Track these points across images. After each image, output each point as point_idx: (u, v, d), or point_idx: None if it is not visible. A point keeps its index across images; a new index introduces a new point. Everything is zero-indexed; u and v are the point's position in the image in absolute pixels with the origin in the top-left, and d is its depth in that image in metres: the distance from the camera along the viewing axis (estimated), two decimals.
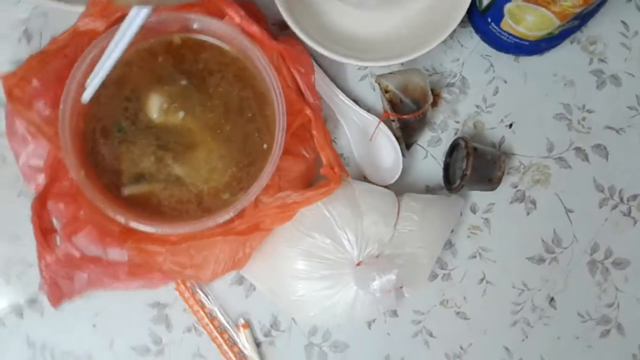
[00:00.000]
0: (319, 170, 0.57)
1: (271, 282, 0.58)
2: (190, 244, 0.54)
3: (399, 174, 0.62)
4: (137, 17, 0.47)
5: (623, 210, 0.65)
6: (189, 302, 0.63)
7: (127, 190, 0.56)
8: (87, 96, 0.52)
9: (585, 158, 0.65)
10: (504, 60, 0.65)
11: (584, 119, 0.66)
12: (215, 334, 0.63)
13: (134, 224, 0.52)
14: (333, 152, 0.55)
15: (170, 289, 0.62)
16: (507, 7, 0.56)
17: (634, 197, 0.65)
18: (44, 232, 0.51)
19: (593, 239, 0.65)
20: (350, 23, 0.62)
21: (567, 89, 0.66)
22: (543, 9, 0.53)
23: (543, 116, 0.66)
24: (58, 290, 0.52)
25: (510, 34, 0.59)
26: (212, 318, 0.63)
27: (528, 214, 0.65)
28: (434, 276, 0.64)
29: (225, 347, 0.63)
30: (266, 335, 0.63)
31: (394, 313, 0.64)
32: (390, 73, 0.60)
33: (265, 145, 0.57)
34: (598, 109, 0.66)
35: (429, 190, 0.64)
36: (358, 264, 0.55)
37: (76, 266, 0.52)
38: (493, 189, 0.62)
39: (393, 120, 0.60)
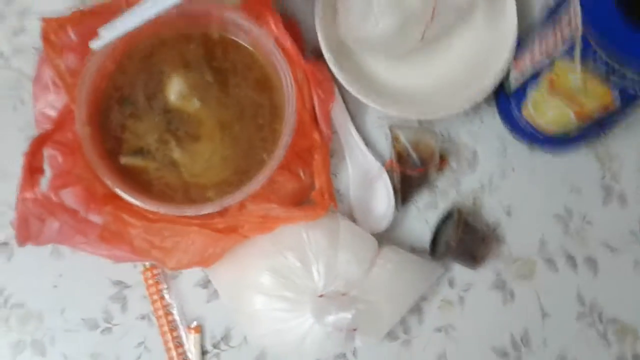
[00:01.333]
0: (310, 196, 0.58)
1: (233, 288, 0.58)
2: (165, 225, 0.54)
3: (386, 224, 0.62)
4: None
5: (599, 330, 0.64)
6: (151, 290, 0.62)
7: (123, 160, 0.58)
8: (97, 45, 0.53)
9: (574, 267, 0.65)
10: (519, 148, 0.66)
11: (582, 228, 0.65)
12: (166, 329, 0.62)
13: (119, 190, 0.53)
14: (328, 180, 0.56)
15: (137, 272, 0.62)
16: (532, 94, 0.57)
17: (613, 320, 0.64)
18: (32, 170, 0.52)
19: (562, 349, 0.63)
20: (383, 71, 0.65)
21: (573, 194, 0.66)
22: (564, 105, 0.54)
23: (543, 214, 0.65)
24: (26, 229, 0.52)
25: (528, 123, 0.60)
26: (167, 313, 0.62)
27: (504, 304, 0.64)
28: (394, 338, 0.63)
29: (171, 344, 0.62)
30: (215, 346, 0.62)
31: None
32: (406, 126, 0.61)
33: (265, 156, 0.58)
34: (598, 223, 0.65)
35: (413, 250, 0.64)
36: (320, 296, 0.55)
37: (52, 211, 0.52)
38: (474, 268, 0.62)
39: (395, 172, 0.61)
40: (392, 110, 0.59)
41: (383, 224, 0.62)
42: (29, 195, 0.51)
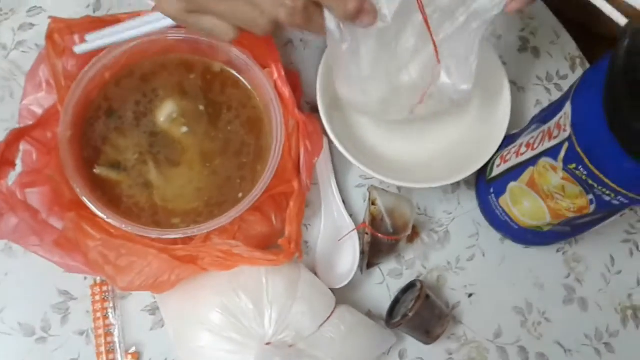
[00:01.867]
0: (277, 242, 0.57)
1: (181, 320, 0.56)
2: (125, 243, 0.53)
3: (345, 283, 0.61)
4: (158, 21, 0.49)
5: None
6: (96, 306, 0.60)
7: (98, 170, 0.57)
8: (80, 49, 0.53)
9: None
10: (491, 235, 0.67)
11: (539, 323, 0.65)
12: (103, 349, 0.60)
13: (85, 199, 0.52)
14: (298, 229, 0.55)
15: (85, 285, 0.60)
16: (511, 185, 0.58)
17: None
18: (3, 162, 0.50)
19: None
20: (374, 135, 0.66)
21: (535, 289, 0.66)
22: (540, 200, 0.55)
23: (503, 302, 0.66)
24: None
25: (504, 211, 0.61)
26: (107, 333, 0.60)
27: None
28: None
29: None
30: None
31: None
32: (386, 191, 0.62)
33: (240, 195, 0.58)
34: (556, 322, 0.66)
35: (369, 315, 0.63)
36: (267, 344, 0.53)
37: (13, 207, 0.51)
38: (427, 344, 0.61)
39: (366, 234, 0.61)
40: (375, 173, 0.60)
41: (343, 282, 0.62)
42: None
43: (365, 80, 0.53)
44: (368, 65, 0.51)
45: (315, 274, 0.61)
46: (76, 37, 0.56)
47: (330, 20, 0.46)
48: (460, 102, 0.56)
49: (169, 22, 0.48)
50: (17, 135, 0.53)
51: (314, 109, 0.63)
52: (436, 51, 0.52)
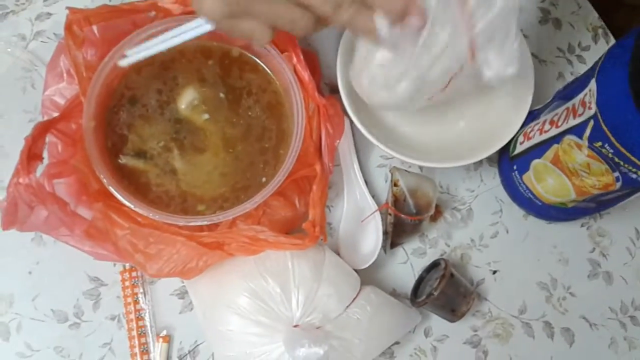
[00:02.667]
0: (301, 226, 0.58)
1: (209, 304, 0.57)
2: (153, 231, 0.54)
3: (369, 263, 0.62)
4: (198, 27, 0.47)
5: None
6: (126, 291, 0.62)
7: (124, 159, 0.57)
8: (124, 63, 0.53)
9: (551, 335, 0.65)
10: (514, 211, 0.67)
11: (564, 298, 0.66)
12: (135, 333, 0.61)
13: (112, 189, 0.53)
14: (322, 212, 0.56)
15: (115, 271, 0.62)
16: (535, 162, 0.58)
17: None
18: (31, 156, 0.51)
19: None
20: (395, 116, 0.66)
21: (560, 264, 0.66)
22: (565, 178, 0.55)
23: (528, 278, 0.66)
24: (14, 214, 0.51)
25: (527, 188, 0.61)
26: (138, 317, 0.61)
27: None
28: None
29: (137, 350, 0.61)
30: (181, 358, 0.62)
31: None
32: (408, 172, 0.62)
33: (264, 179, 0.58)
34: (581, 296, 0.66)
35: (394, 294, 0.64)
36: (295, 326, 0.54)
37: (42, 200, 0.52)
38: (452, 321, 0.61)
39: (390, 214, 0.61)
40: (397, 153, 0.60)
41: (367, 263, 0.62)
42: (22, 180, 0.50)
43: (395, 79, 0.51)
44: (402, 66, 0.49)
45: (339, 255, 0.62)
46: (95, 28, 0.56)
47: (381, 20, 0.44)
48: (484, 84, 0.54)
49: (208, 27, 0.46)
50: (43, 129, 0.53)
51: (334, 90, 0.63)
52: (473, 46, 0.49)
